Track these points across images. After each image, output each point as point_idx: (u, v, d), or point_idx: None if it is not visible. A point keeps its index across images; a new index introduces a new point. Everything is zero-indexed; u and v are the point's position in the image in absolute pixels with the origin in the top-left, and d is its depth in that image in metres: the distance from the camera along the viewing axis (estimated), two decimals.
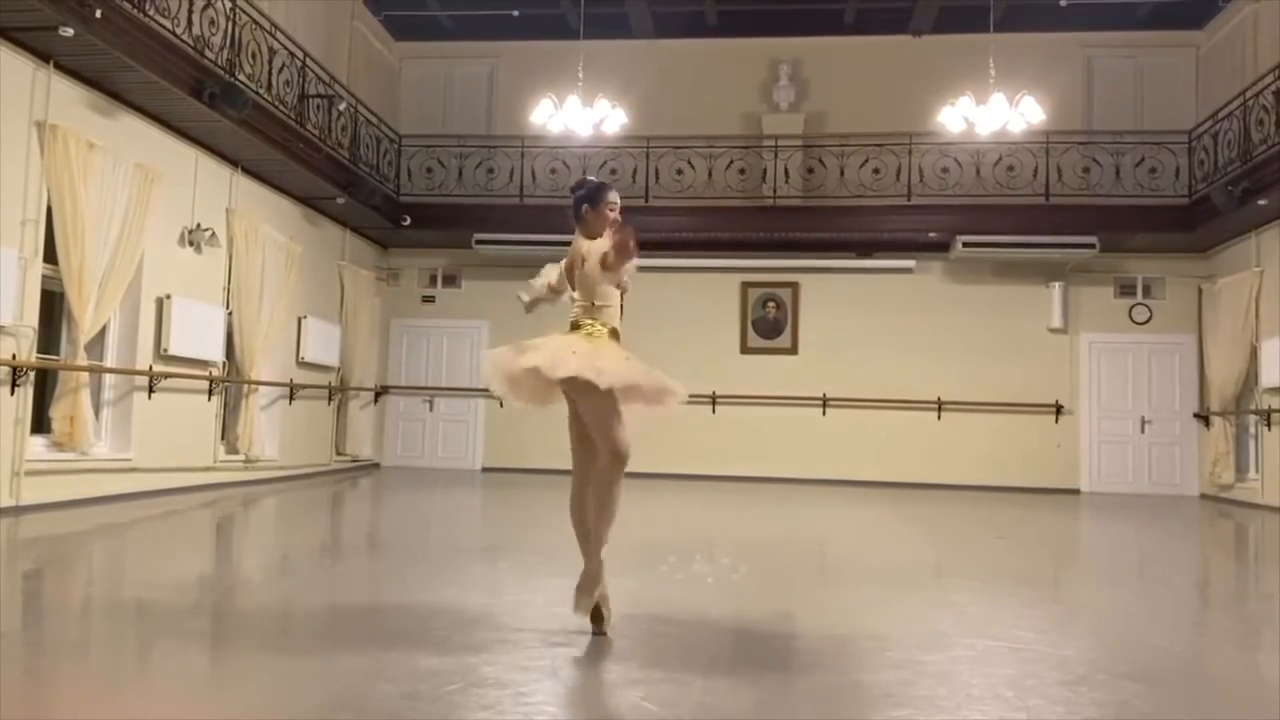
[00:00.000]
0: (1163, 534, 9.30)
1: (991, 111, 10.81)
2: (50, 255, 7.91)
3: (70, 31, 7.25)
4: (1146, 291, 13.74)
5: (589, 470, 4.08)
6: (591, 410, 3.96)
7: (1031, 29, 13.48)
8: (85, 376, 8.18)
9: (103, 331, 8.70)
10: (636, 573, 5.73)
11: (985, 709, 3.13)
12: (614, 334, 4.12)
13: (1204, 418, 13.24)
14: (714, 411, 14.04)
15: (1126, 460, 13.62)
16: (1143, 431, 13.62)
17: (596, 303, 4.10)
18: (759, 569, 6.13)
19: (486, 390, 15.27)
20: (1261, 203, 10.94)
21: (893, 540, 7.95)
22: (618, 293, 4.18)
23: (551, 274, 4.46)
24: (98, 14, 7.31)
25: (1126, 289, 13.79)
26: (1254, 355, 12.01)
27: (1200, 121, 12.87)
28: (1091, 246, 12.96)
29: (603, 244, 4.05)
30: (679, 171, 13.66)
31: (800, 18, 14.03)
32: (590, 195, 4.24)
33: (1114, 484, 13.52)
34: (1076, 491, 13.49)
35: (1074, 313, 13.76)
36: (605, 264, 4.01)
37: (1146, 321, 13.70)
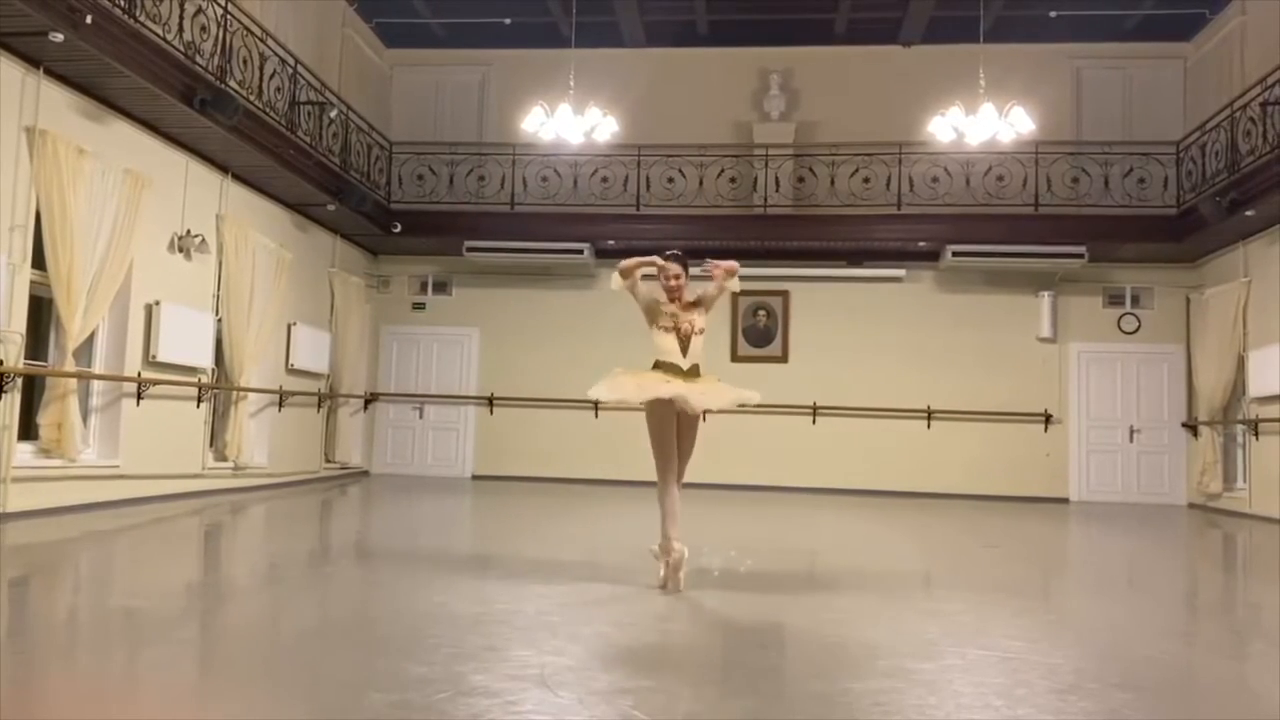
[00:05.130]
0: (1151, 543, 9.33)
1: (981, 121, 10.84)
2: (39, 261, 7.87)
3: (60, 37, 7.23)
4: (1135, 301, 13.81)
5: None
6: (691, 435, 5.55)
7: (1021, 40, 13.58)
8: (73, 383, 8.14)
9: (91, 338, 8.66)
10: (629, 580, 5.73)
11: (975, 717, 3.13)
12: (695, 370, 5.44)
13: (1192, 427, 13.29)
14: (704, 419, 14.00)
15: (1115, 469, 13.66)
16: (1131, 441, 13.67)
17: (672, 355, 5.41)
18: (749, 577, 6.12)
19: (477, 397, 15.20)
20: (1249, 213, 11.00)
21: (883, 549, 7.95)
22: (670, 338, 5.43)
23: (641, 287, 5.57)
24: (88, 19, 7.30)
25: (1115, 299, 13.86)
26: (1241, 365, 12.07)
27: (1188, 133, 12.96)
28: (1080, 256, 13.02)
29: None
30: (670, 180, 13.68)
31: (791, 27, 14.08)
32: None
33: (1102, 493, 13.56)
34: (1065, 500, 13.52)
35: (1063, 322, 13.81)
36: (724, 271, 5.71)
37: (1135, 331, 13.77)
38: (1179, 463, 13.52)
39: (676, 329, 5.39)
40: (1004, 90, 11.29)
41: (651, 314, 5.47)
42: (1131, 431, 13.68)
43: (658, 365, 5.40)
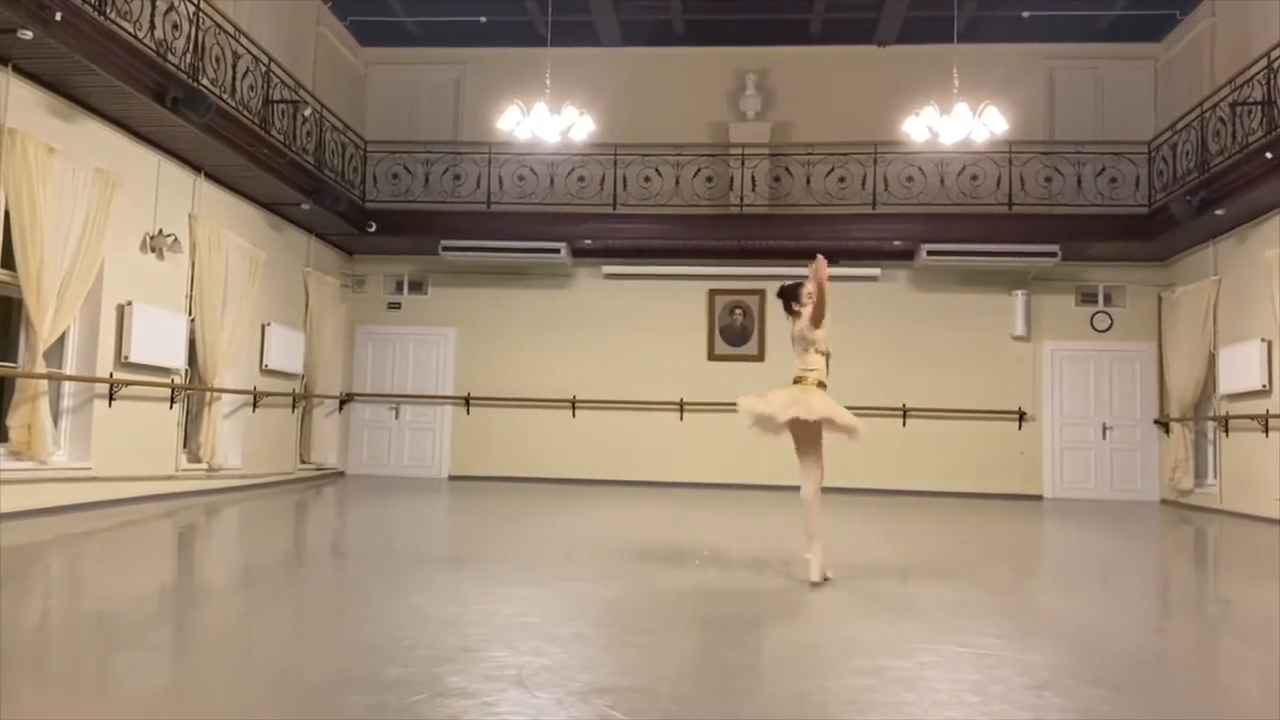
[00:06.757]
0: (1124, 540, 9.41)
1: (955, 121, 10.91)
2: (8, 261, 7.79)
3: (29, 34, 7.14)
4: (1107, 300, 13.93)
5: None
6: (805, 443, 5.88)
7: (994, 40, 13.66)
8: (43, 384, 8.05)
9: (62, 338, 8.56)
10: (607, 580, 5.73)
11: (950, 714, 3.15)
12: (821, 385, 5.93)
13: (1164, 424, 13.43)
14: (681, 419, 14.06)
15: (1088, 466, 13.78)
16: (1104, 438, 13.80)
17: (806, 366, 5.94)
18: (727, 576, 6.13)
19: (453, 397, 15.15)
20: (1219, 212, 11.13)
21: (859, 547, 7.98)
22: (821, 358, 5.98)
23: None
24: (57, 16, 7.22)
25: (1088, 297, 13.98)
26: (1212, 362, 12.20)
27: (1159, 132, 13.09)
28: (1053, 255, 13.12)
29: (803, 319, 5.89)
30: (646, 179, 13.68)
31: (766, 27, 14.11)
32: (795, 293, 6.04)
33: (1076, 490, 13.67)
34: (1039, 497, 13.62)
35: (1036, 320, 13.91)
36: (814, 319, 5.88)
37: (1107, 329, 13.89)
38: (1151, 459, 13.66)
39: (827, 353, 6.09)
40: (978, 90, 11.37)
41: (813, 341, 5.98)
42: (1104, 429, 13.80)
43: (816, 384, 5.98)
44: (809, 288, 5.93)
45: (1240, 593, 6.59)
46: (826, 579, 5.65)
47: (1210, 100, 11.52)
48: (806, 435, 5.86)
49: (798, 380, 5.91)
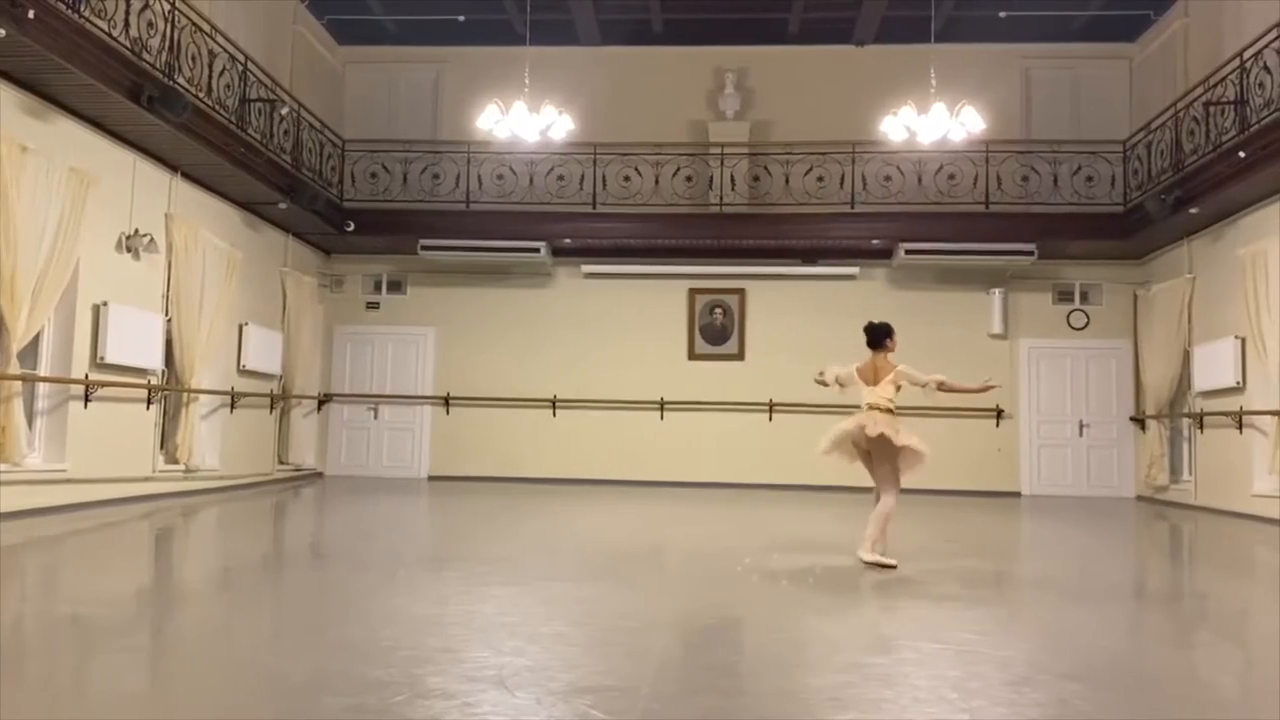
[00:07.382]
0: (1101, 536, 9.49)
1: (933, 121, 10.94)
2: None
3: (2, 32, 7.06)
4: (1084, 298, 14.03)
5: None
6: (882, 461, 6.63)
7: (971, 40, 13.73)
8: (17, 386, 7.97)
9: (36, 339, 8.49)
10: (588, 580, 5.73)
11: (930, 711, 3.17)
12: (889, 412, 6.63)
13: (1140, 421, 13.54)
14: (662, 418, 14.06)
15: (1065, 463, 13.88)
16: (1081, 435, 13.90)
17: (890, 398, 6.74)
18: (708, 575, 6.14)
19: (432, 397, 15.09)
20: (1193, 211, 11.23)
21: (839, 545, 8.01)
22: (893, 389, 6.74)
23: (841, 373, 7.06)
24: (30, 15, 7.15)
25: (1064, 295, 14.07)
26: (1187, 360, 12.32)
27: (1134, 132, 13.19)
28: (1030, 254, 13.21)
29: (913, 371, 6.88)
30: (626, 178, 13.68)
31: (745, 27, 14.14)
32: (889, 331, 7.10)
33: (1053, 487, 13.77)
34: (1017, 494, 13.71)
35: (1013, 319, 14.00)
36: (945, 388, 6.96)
37: (1084, 327, 13.99)
38: (1127, 456, 13.77)
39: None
40: (955, 90, 11.41)
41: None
42: (1081, 426, 13.90)
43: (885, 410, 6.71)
44: (886, 352, 7.01)
45: (1215, 587, 6.67)
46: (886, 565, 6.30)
47: (1184, 100, 11.63)
48: (886, 458, 6.59)
49: (871, 408, 6.61)
